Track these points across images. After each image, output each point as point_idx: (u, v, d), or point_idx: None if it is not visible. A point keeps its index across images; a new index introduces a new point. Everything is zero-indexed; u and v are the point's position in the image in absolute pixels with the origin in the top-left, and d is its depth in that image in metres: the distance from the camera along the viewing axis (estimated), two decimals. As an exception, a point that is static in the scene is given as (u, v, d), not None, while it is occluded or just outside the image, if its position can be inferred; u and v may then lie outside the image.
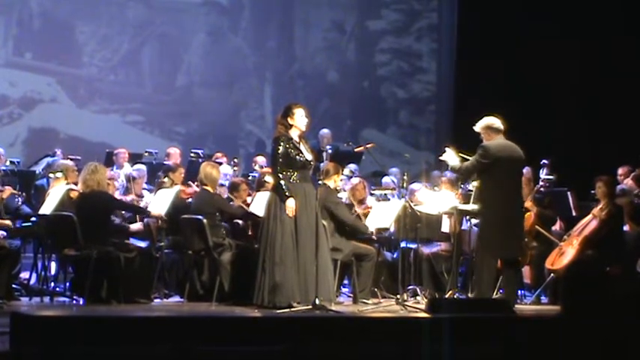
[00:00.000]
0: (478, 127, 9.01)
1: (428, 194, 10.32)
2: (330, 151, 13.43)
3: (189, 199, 10.42)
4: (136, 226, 10.21)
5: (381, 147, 15.45)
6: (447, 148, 9.20)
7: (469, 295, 9.43)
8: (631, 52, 14.58)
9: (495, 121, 9.00)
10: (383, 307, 9.29)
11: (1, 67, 15.43)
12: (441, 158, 9.27)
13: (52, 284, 10.14)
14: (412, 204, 10.06)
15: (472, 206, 9.30)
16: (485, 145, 8.91)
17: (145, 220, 10.37)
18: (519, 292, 10.14)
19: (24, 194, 10.74)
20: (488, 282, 8.90)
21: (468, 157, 9.06)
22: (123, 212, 10.26)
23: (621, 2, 14.85)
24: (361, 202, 10.57)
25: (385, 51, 17.30)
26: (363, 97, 17.18)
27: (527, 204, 10.42)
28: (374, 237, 10.25)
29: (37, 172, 11.80)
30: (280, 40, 16.93)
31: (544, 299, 10.47)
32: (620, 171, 11.65)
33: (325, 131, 14.20)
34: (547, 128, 14.56)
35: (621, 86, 14.46)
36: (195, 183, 10.66)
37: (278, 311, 8.36)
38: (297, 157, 8.83)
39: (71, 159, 11.40)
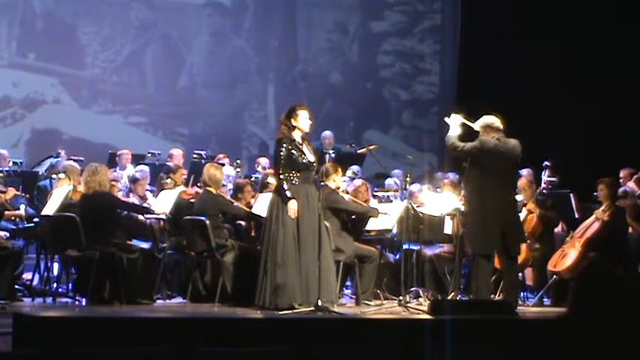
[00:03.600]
0: (477, 125, 9.08)
1: (430, 196, 10.33)
2: (332, 154, 13.46)
3: (192, 200, 10.42)
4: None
5: (383, 148, 15.43)
6: (454, 114, 9.21)
7: (471, 296, 9.43)
8: (633, 52, 14.58)
9: (495, 120, 9.09)
10: (385, 308, 9.29)
11: (4, 68, 15.45)
12: (446, 119, 9.25)
13: (55, 285, 10.14)
14: (414, 205, 10.07)
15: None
16: (483, 138, 8.99)
17: (148, 221, 10.38)
18: (522, 294, 10.15)
19: (27, 195, 10.75)
20: (484, 282, 8.92)
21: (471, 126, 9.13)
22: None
23: (622, 3, 14.86)
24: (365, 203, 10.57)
25: (388, 52, 17.31)
26: (366, 98, 17.18)
27: (530, 206, 10.44)
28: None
29: (40, 173, 11.81)
30: (283, 41, 16.94)
31: (546, 301, 10.47)
32: (621, 174, 11.64)
33: (327, 133, 14.20)
34: (549, 130, 14.56)
35: (623, 87, 14.45)
36: (198, 184, 10.67)
37: (280, 313, 8.37)
38: (300, 158, 8.83)
39: (74, 160, 11.41)
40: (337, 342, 7.32)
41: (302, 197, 8.78)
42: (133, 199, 10.61)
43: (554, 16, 15.12)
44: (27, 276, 10.41)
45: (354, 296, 10.18)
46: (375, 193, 11.30)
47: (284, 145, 8.84)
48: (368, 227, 10.18)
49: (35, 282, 10.32)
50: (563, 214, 11.00)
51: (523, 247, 9.79)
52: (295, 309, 8.48)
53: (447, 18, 17.36)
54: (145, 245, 10.00)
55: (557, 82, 14.94)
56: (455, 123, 9.11)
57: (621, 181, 11.42)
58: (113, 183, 10.22)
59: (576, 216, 10.98)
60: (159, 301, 9.76)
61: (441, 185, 11.31)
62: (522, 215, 10.16)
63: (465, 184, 9.40)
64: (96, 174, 9.53)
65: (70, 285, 9.95)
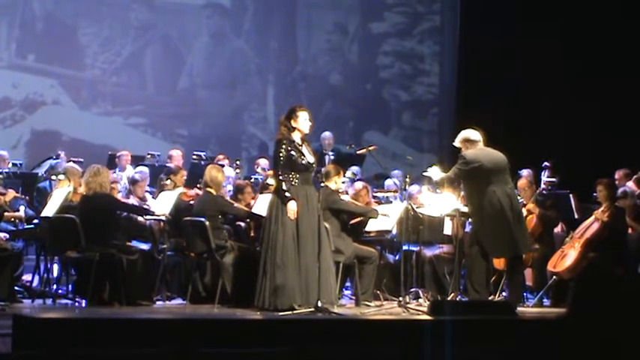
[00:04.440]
0: (457, 142, 9.37)
1: (430, 197, 10.33)
2: (332, 156, 13.46)
3: (192, 202, 10.42)
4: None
5: (383, 149, 15.45)
6: (431, 168, 9.50)
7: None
8: (633, 52, 14.57)
9: (471, 133, 9.35)
10: (385, 309, 9.29)
11: (4, 69, 15.45)
12: (424, 174, 9.48)
13: (55, 286, 10.14)
14: (414, 206, 10.07)
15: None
16: (464, 154, 9.24)
17: (148, 222, 10.38)
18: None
19: (27, 197, 10.75)
20: (479, 283, 8.98)
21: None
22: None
23: (622, 5, 14.87)
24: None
25: (388, 53, 17.31)
26: (366, 99, 17.18)
27: (530, 206, 10.45)
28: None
29: (40, 174, 11.81)
30: (283, 42, 16.94)
31: (546, 302, 10.47)
32: (616, 175, 11.64)
33: (327, 134, 14.21)
34: (549, 130, 14.57)
35: (623, 87, 14.45)
36: (198, 185, 10.67)
37: (280, 313, 8.37)
38: (299, 159, 8.83)
39: (74, 161, 11.41)
40: (337, 343, 7.32)
41: (301, 198, 8.78)
42: (133, 201, 10.60)
43: (554, 16, 15.12)
44: (27, 277, 10.41)
45: (353, 297, 10.18)
46: (374, 194, 11.29)
47: (283, 147, 8.83)
48: (368, 228, 10.18)
49: (35, 283, 10.31)
50: (563, 214, 11.00)
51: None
52: (295, 310, 8.48)
53: (446, 19, 17.36)
54: (145, 246, 10.00)
55: (557, 82, 14.94)
56: (434, 171, 9.40)
57: (617, 182, 11.40)
58: (113, 185, 10.22)
59: (576, 216, 10.98)
60: (159, 303, 9.75)
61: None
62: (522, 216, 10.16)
63: (468, 199, 9.48)
64: (97, 175, 9.53)
65: (70, 286, 9.95)
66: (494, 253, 9.18)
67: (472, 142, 9.27)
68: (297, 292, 8.62)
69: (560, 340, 3.82)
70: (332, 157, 13.43)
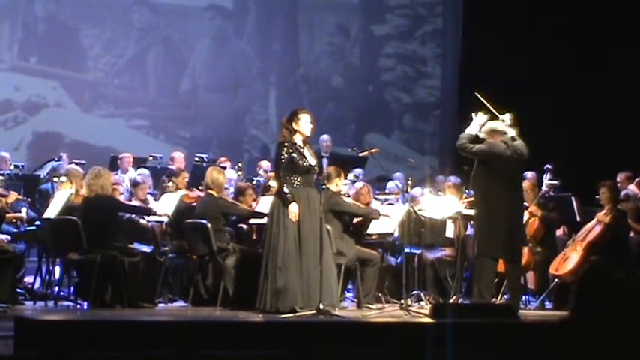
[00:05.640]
0: (483, 133, 9.18)
1: (432, 199, 10.33)
2: (327, 157, 13.47)
3: (193, 204, 10.42)
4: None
5: (385, 152, 15.45)
6: (482, 114, 9.30)
7: (472, 298, 9.43)
8: (632, 52, 14.56)
9: (498, 125, 9.24)
10: (387, 312, 9.28)
11: (6, 72, 15.47)
12: (473, 115, 9.34)
13: (57, 288, 10.14)
14: (416, 209, 10.08)
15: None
16: (491, 141, 9.11)
17: (150, 224, 10.38)
18: (523, 297, 10.15)
19: (29, 199, 10.76)
20: (486, 284, 8.96)
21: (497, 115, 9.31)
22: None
23: (622, 5, 14.87)
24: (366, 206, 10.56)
25: (390, 56, 17.32)
26: (368, 101, 17.19)
27: (532, 208, 10.45)
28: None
29: (42, 176, 11.82)
30: (285, 44, 16.95)
31: (548, 304, 10.47)
32: (618, 178, 11.63)
33: (325, 137, 14.18)
34: (550, 133, 14.55)
35: (623, 87, 14.45)
36: (200, 187, 10.67)
37: (281, 316, 8.37)
38: (301, 162, 8.83)
39: (76, 163, 11.42)
40: (339, 345, 7.31)
41: (303, 200, 8.78)
42: (134, 203, 10.61)
43: (554, 16, 15.12)
44: (29, 279, 10.41)
45: (355, 299, 10.17)
46: (376, 197, 11.29)
47: (285, 149, 8.84)
48: (370, 231, 10.18)
49: (37, 285, 10.32)
50: (565, 217, 10.99)
51: (525, 250, 9.80)
52: (296, 312, 8.48)
53: (448, 21, 17.37)
54: (147, 248, 10.00)
55: (557, 82, 14.94)
56: (478, 122, 9.21)
57: (618, 185, 11.39)
58: (115, 187, 10.22)
59: (578, 219, 10.97)
60: (160, 305, 9.75)
61: (443, 188, 11.30)
62: (524, 218, 10.16)
63: (472, 186, 9.45)
64: (99, 177, 9.53)
65: (72, 288, 9.96)
66: (485, 251, 9.07)
67: (499, 133, 9.18)
68: (299, 295, 8.62)
69: (562, 343, 3.82)
70: (328, 159, 13.41)
